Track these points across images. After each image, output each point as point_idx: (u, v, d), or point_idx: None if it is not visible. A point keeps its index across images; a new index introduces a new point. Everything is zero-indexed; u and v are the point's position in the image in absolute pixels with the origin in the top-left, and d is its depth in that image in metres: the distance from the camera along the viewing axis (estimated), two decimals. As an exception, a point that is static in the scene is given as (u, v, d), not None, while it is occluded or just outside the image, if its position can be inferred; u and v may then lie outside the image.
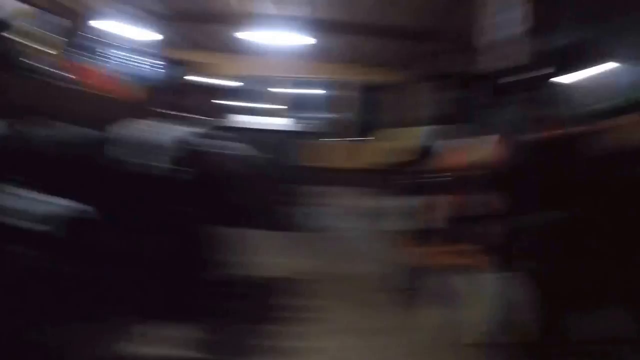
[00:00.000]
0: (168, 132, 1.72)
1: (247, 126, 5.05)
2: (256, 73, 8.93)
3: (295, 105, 9.11)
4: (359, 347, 2.09)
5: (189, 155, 1.69)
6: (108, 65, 2.92)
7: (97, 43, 2.84)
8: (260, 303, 2.14)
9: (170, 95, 2.88)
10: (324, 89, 9.34)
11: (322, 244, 3.50)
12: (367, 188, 3.43)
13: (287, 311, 2.18)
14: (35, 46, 2.07)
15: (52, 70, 2.05)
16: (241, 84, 9.18)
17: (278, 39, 6.47)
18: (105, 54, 3.00)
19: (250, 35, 6.48)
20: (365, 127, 8.38)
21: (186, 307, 1.67)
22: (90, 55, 2.81)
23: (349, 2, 5.77)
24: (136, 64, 3.04)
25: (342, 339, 2.16)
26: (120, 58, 3.08)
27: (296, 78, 9.07)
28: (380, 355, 2.03)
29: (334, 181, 5.04)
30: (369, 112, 8.57)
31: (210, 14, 6.32)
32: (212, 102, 4.99)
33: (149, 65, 3.08)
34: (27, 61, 1.92)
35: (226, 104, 5.67)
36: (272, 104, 9.16)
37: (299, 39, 6.50)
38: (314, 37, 6.51)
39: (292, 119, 6.46)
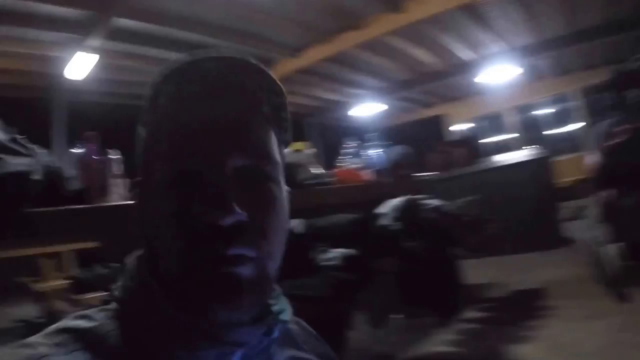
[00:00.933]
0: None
1: (498, 164, 5.39)
2: (486, 112, 9.59)
3: (526, 130, 9.37)
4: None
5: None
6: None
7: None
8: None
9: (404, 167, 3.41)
10: (548, 108, 9.37)
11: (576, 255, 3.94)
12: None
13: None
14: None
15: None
16: (473, 125, 9.88)
17: (494, 75, 7.42)
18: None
19: (481, 78, 7.51)
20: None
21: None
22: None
23: (537, 24, 6.18)
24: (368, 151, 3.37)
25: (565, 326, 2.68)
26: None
27: (521, 105, 9.39)
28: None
29: (574, 194, 5.28)
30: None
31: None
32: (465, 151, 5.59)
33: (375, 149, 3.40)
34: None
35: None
36: (505, 134, 9.56)
37: (510, 70, 7.27)
38: (522, 62, 7.08)
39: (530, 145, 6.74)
